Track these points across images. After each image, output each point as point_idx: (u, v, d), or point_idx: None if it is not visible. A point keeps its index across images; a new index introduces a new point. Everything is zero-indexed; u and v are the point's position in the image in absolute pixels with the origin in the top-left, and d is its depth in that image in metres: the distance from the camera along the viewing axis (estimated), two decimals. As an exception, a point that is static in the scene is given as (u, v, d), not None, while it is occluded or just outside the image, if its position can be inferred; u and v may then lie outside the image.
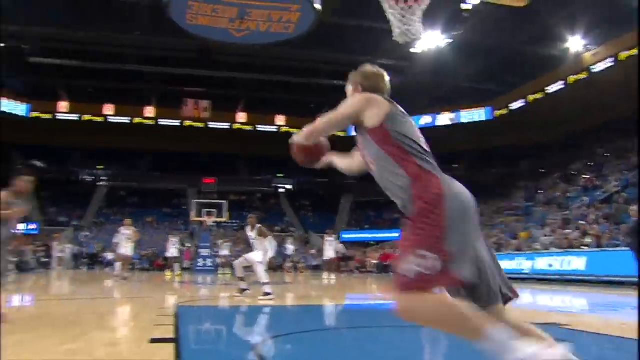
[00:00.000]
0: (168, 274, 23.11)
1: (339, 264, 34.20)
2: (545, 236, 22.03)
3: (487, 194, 39.85)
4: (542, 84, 36.73)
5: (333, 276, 21.57)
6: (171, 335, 5.62)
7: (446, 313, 2.60)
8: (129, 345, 5.03)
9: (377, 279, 23.53)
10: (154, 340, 5.16)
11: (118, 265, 18.90)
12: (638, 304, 5.61)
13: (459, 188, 2.96)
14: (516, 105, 39.75)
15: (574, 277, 16.07)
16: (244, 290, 11.46)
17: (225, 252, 27.12)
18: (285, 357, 4.87)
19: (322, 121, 3.23)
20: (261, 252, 11.51)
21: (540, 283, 16.72)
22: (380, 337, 6.34)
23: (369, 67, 3.43)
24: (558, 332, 6.05)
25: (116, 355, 4.50)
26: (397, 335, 6.22)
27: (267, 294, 10.78)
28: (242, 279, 11.72)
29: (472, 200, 2.96)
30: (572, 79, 33.69)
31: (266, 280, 11.15)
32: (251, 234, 11.86)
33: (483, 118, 43.07)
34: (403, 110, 3.20)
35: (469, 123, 43.80)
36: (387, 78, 3.41)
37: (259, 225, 11.97)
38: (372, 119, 3.07)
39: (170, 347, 4.80)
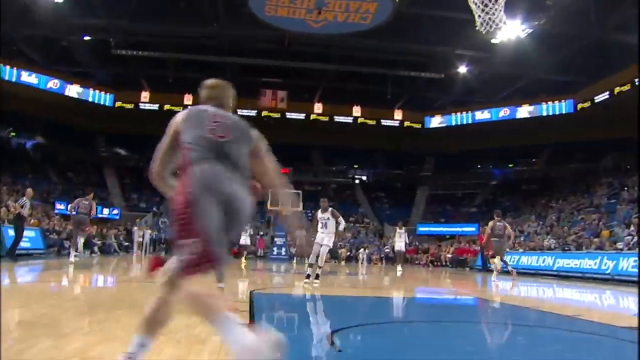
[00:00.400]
0: (244, 261, 23.63)
1: (408, 256, 34.17)
2: (630, 235, 21.20)
3: (567, 190, 38.70)
4: (630, 75, 35.16)
5: (401, 268, 21.45)
6: (246, 320, 5.75)
7: (196, 299, 2.96)
8: (205, 327, 5.16)
9: (450, 273, 23.24)
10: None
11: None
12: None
13: (206, 173, 3.10)
14: (600, 97, 38.28)
15: None
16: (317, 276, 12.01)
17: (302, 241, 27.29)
18: (359, 347, 4.90)
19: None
20: (332, 234, 12.33)
21: (623, 285, 16.02)
22: (449, 330, 6.30)
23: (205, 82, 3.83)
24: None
25: (194, 336, 4.65)
26: (463, 329, 6.17)
27: (317, 276, 11.93)
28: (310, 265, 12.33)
29: (218, 182, 3.08)
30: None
31: (322, 265, 12.10)
32: (324, 215, 12.33)
33: (564, 111, 41.76)
34: (202, 109, 3.53)
35: (549, 116, 42.60)
36: (214, 85, 3.85)
37: (331, 207, 12.65)
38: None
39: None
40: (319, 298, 9.67)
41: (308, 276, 12.06)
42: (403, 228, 22.90)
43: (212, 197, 3.00)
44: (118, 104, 45.23)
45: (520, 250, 25.92)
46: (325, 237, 12.11)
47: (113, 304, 6.94)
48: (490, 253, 17.15)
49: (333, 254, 35.77)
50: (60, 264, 15.64)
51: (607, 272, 17.79)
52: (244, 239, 22.32)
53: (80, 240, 17.32)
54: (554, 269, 20.91)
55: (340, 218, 12.47)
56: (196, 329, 5.08)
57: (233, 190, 3.12)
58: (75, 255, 16.34)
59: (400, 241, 22.10)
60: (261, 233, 37.71)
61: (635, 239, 20.38)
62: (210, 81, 3.86)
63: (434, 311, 7.83)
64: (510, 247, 19.84)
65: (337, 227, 12.34)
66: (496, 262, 16.20)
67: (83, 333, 4.52)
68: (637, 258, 16.99)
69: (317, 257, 12.13)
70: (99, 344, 4.13)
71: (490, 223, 16.40)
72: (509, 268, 17.21)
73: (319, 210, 12.66)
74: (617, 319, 7.65)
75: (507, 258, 18.81)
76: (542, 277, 20.56)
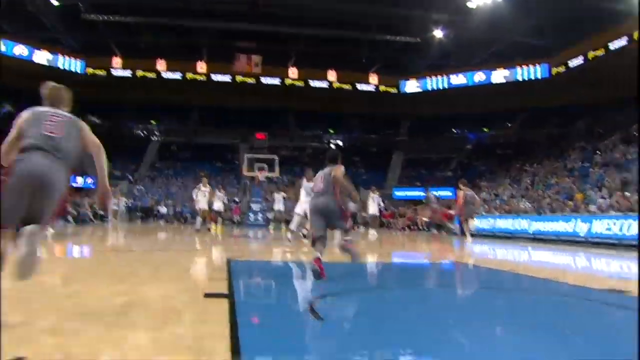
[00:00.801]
0: (213, 227, 23.47)
1: (384, 221, 34.36)
2: (603, 198, 21.43)
3: (541, 154, 38.96)
4: (604, 39, 35.36)
5: (375, 232, 21.65)
6: (224, 290, 5.64)
7: None
8: (183, 298, 5.05)
9: (427, 237, 23.35)
10: (208, 295, 5.19)
11: (198, 220, 19.90)
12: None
13: (29, 160, 3.92)
14: (575, 62, 38.47)
15: (633, 243, 15.35)
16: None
17: (279, 206, 27.18)
18: (341, 316, 4.82)
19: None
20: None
21: (597, 247, 16.17)
22: (427, 296, 6.27)
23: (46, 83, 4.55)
24: (622, 299, 5.88)
25: (171, 308, 4.52)
26: (441, 294, 6.14)
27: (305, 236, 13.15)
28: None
29: (29, 170, 3.87)
30: (637, 34, 32.30)
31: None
32: (309, 184, 12.37)
33: (539, 76, 41.97)
34: (43, 110, 4.32)
35: (524, 80, 42.73)
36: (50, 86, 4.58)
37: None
38: None
39: (224, 303, 4.82)
40: (297, 265, 9.59)
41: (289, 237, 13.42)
42: (377, 192, 23.20)
43: (24, 179, 3.83)
44: (89, 70, 44.49)
45: (496, 213, 26.11)
46: (305, 205, 12.58)
47: (89, 275, 6.79)
48: (463, 217, 18.78)
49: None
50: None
51: (581, 234, 17.96)
52: (218, 206, 22.05)
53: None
54: (530, 232, 21.07)
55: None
56: (173, 299, 4.97)
57: (48, 175, 3.93)
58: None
59: (373, 205, 22.18)
60: (236, 199, 37.48)
61: (608, 201, 20.62)
62: (50, 83, 4.59)
63: (410, 276, 7.80)
64: (477, 213, 20.75)
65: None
66: (469, 225, 18.16)
67: (56, 308, 4.37)
68: (609, 221, 17.22)
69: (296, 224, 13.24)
70: (72, 319, 3.98)
71: (461, 193, 18.35)
72: (469, 231, 18.37)
73: (304, 179, 13.14)
74: (590, 281, 7.70)
75: (480, 222, 22.64)
76: (517, 240, 20.71)
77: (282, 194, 24.97)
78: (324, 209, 7.12)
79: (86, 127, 4.57)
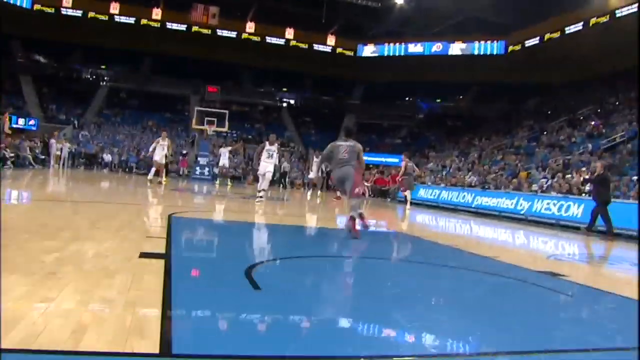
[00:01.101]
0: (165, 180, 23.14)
1: (331, 183, 34.45)
2: (544, 178, 21.85)
3: (490, 130, 39.52)
4: (562, 22, 35.78)
5: (317, 193, 22.04)
6: (162, 249, 5.48)
7: None
8: (117, 257, 4.87)
9: (371, 204, 23.48)
10: (144, 255, 5.03)
11: (152, 170, 20.13)
12: (638, 288, 5.51)
13: None
14: (531, 42, 38.89)
15: (569, 223, 15.90)
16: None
17: (225, 161, 26.92)
18: (279, 286, 4.73)
19: None
20: (274, 164, 15.24)
21: (535, 225, 16.56)
22: (368, 266, 6.25)
23: None
24: (556, 283, 5.96)
25: (103, 268, 4.34)
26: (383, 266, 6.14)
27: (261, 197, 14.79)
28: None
29: None
30: (593, 21, 32.79)
31: (266, 188, 15.17)
32: (271, 147, 14.83)
33: (495, 52, 42.33)
34: None
35: (480, 55, 43.03)
36: None
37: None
38: None
39: (159, 264, 4.68)
40: (239, 225, 9.48)
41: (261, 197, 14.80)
42: (319, 156, 23.02)
43: None
44: (37, 6, 42.52)
45: (442, 185, 26.42)
46: (269, 166, 14.66)
47: (18, 227, 6.51)
48: (403, 188, 20.32)
49: (257, 177, 35.52)
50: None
51: (521, 212, 18.35)
52: (159, 157, 21.76)
53: None
54: (473, 205, 21.38)
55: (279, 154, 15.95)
56: (107, 258, 4.79)
57: None
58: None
59: (314, 169, 22.35)
60: (184, 152, 36.84)
61: (550, 182, 21.04)
62: None
63: (352, 245, 7.75)
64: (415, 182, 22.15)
65: (279, 159, 15.35)
66: (408, 195, 19.75)
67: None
68: (549, 201, 17.61)
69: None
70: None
71: (404, 163, 19.74)
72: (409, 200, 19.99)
73: (267, 143, 15.03)
74: (532, 262, 7.81)
75: (426, 192, 25.10)
76: (460, 212, 21.04)
77: (228, 148, 24.95)
78: (347, 176, 8.58)
79: None
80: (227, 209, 12.97)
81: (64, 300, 3.34)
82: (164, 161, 20.10)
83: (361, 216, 8.47)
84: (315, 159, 22.78)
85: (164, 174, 20.75)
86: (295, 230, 9.86)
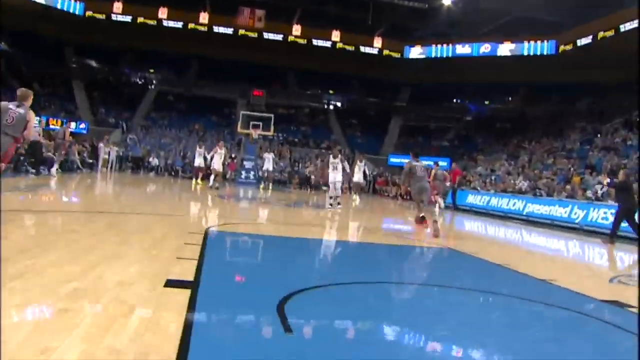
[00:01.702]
0: (194, 182, 25.02)
1: (377, 187, 34.14)
2: (599, 184, 20.79)
3: (541, 132, 38.37)
4: (616, 20, 34.47)
5: (356, 197, 22.62)
6: (191, 274, 5.07)
7: None
8: (141, 286, 4.46)
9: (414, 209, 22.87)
10: (169, 284, 4.61)
11: (212, 177, 22.30)
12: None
13: None
14: (583, 41, 37.59)
15: (629, 235, 14.49)
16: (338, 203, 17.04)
17: (268, 166, 26.73)
18: (309, 317, 4.23)
19: None
20: (342, 173, 17.33)
21: (591, 235, 15.57)
22: (418, 294, 5.71)
23: None
24: (625, 317, 5.27)
25: (122, 302, 3.92)
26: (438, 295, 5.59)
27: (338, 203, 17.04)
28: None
29: None
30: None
31: (339, 195, 17.33)
32: (335, 160, 17.31)
33: (546, 52, 41.11)
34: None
35: (529, 55, 41.87)
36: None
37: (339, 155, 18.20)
38: None
39: (184, 296, 4.25)
40: (280, 241, 9.02)
41: (331, 205, 16.89)
42: (364, 161, 23.32)
43: None
44: (88, 13, 43.30)
45: (492, 191, 25.53)
46: (337, 176, 16.98)
47: (45, 245, 6.19)
48: (434, 193, 20.65)
49: (303, 182, 35.30)
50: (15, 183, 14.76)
51: (576, 221, 17.40)
52: (198, 162, 24.03)
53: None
54: (524, 213, 20.55)
55: (346, 163, 18.23)
56: (129, 289, 4.36)
57: None
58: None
59: (358, 173, 22.21)
60: (233, 155, 36.71)
61: (605, 188, 20.02)
62: None
63: (400, 267, 7.23)
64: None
65: (344, 169, 17.53)
66: (440, 201, 21.53)
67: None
68: (606, 210, 16.64)
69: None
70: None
71: (434, 170, 21.36)
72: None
73: (331, 156, 17.92)
74: (594, 287, 7.14)
75: (475, 197, 25.16)
76: (511, 220, 20.23)
77: (272, 154, 25.22)
78: (425, 189, 11.72)
79: None
80: (270, 220, 12.56)
81: (67, 351, 2.92)
82: (221, 169, 22.74)
83: (435, 222, 11.16)
84: (359, 163, 22.39)
85: (220, 179, 23.07)
86: (341, 247, 9.38)
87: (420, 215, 12.15)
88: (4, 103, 8.42)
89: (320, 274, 6.57)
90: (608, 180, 14.85)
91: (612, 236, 13.23)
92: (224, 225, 10.08)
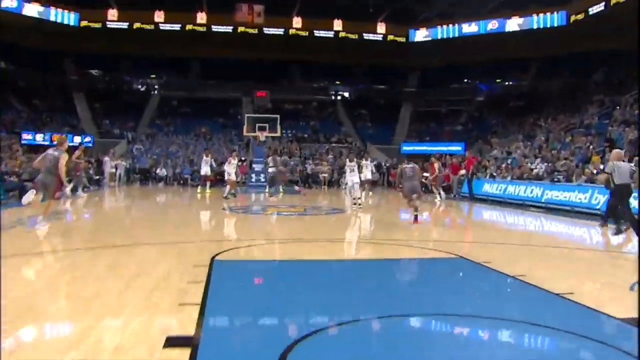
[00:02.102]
0: (200, 191, 25.94)
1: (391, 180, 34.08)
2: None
3: (556, 108, 37.99)
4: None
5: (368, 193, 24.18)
6: (192, 325, 5.05)
7: None
8: (139, 350, 4.43)
9: (431, 203, 22.72)
10: (169, 342, 4.59)
11: (227, 188, 22.92)
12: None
13: None
14: (595, 8, 37.10)
15: None
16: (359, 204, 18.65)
17: (273, 169, 26.70)
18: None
19: None
20: (358, 175, 19.32)
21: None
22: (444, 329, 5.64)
23: None
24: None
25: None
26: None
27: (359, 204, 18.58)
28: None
29: None
30: None
31: (359, 195, 19.17)
32: (351, 163, 19.22)
33: (556, 23, 40.63)
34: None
35: (539, 29, 41.40)
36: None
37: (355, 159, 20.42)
38: None
39: (184, 357, 4.24)
40: (290, 267, 8.96)
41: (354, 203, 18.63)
42: (369, 159, 24.19)
43: None
44: (84, 23, 43.46)
45: (508, 178, 25.28)
46: (354, 178, 18.86)
47: (47, 296, 6.20)
48: (437, 184, 24.51)
49: (315, 179, 35.21)
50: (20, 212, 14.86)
51: (596, 207, 17.05)
52: (205, 170, 25.27)
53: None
54: (542, 200, 20.34)
55: (366, 161, 22.58)
56: (126, 354, 4.35)
57: None
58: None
59: (366, 171, 22.32)
60: (242, 158, 36.50)
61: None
62: None
63: (409, 290, 7.13)
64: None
65: (360, 171, 20.17)
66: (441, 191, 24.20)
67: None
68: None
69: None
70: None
71: (435, 164, 24.82)
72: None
73: (347, 160, 20.09)
74: (615, 299, 6.98)
75: (491, 186, 25.38)
76: (529, 209, 20.06)
77: (276, 157, 25.57)
78: (416, 188, 14.11)
79: None
80: (280, 237, 12.48)
81: None
82: (235, 179, 23.86)
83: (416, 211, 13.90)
84: (364, 161, 22.54)
85: (234, 187, 23.70)
86: (352, 268, 9.33)
87: (414, 215, 13.84)
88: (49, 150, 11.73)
89: (328, 308, 6.42)
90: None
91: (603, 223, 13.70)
92: (231, 250, 10.04)
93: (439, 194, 23.82)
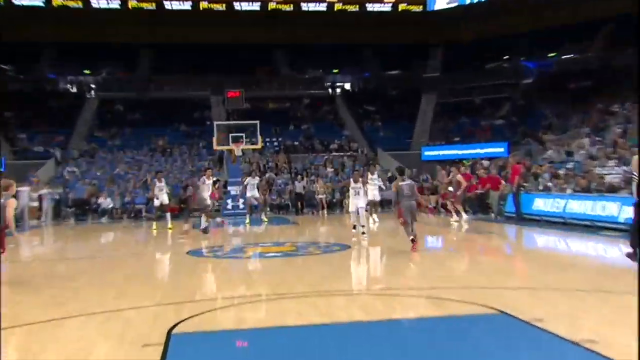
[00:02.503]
0: (155, 227, 26.10)
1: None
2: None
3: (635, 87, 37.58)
4: None
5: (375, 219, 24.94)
6: None
7: None
8: None
9: (458, 233, 22.69)
10: None
11: (203, 218, 23.01)
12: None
13: None
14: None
15: None
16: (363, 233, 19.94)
17: (253, 192, 26.83)
18: None
19: None
20: (365, 198, 20.71)
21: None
22: None
23: None
24: None
25: None
26: None
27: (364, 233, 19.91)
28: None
29: None
30: None
31: (364, 224, 20.22)
32: (356, 185, 20.19)
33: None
34: None
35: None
36: None
37: (361, 178, 21.06)
38: None
39: None
40: (273, 338, 8.79)
41: (355, 226, 20.28)
42: (375, 173, 25.29)
43: None
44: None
45: (568, 190, 24.92)
46: (359, 202, 19.96)
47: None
48: (457, 201, 25.20)
49: (309, 202, 35.10)
50: None
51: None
52: (160, 199, 25.45)
53: None
54: (619, 220, 19.77)
55: (375, 180, 24.20)
56: None
57: None
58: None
59: (374, 189, 23.37)
60: (214, 179, 35.94)
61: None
62: None
63: None
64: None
65: (367, 192, 21.58)
66: (460, 208, 24.85)
67: None
68: None
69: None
70: None
71: (459, 176, 25.37)
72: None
73: (351, 181, 20.74)
74: None
75: (545, 202, 24.97)
76: (602, 231, 19.68)
77: (257, 179, 25.99)
78: (413, 207, 15.68)
79: None
80: (263, 293, 12.25)
81: None
82: (209, 204, 23.63)
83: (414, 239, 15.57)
84: (371, 176, 23.04)
85: (210, 215, 23.88)
86: (356, 337, 9.15)
87: (411, 238, 15.57)
88: None
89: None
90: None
91: None
92: (195, 317, 9.83)
93: (459, 212, 24.70)
